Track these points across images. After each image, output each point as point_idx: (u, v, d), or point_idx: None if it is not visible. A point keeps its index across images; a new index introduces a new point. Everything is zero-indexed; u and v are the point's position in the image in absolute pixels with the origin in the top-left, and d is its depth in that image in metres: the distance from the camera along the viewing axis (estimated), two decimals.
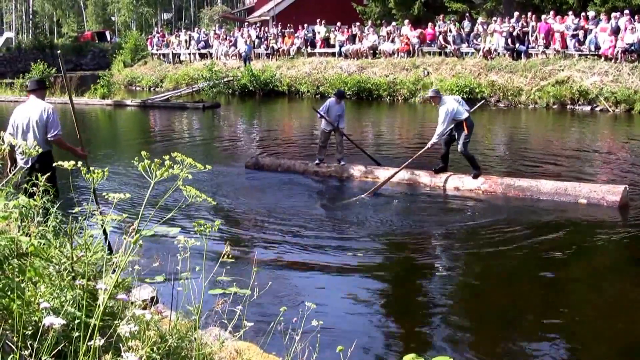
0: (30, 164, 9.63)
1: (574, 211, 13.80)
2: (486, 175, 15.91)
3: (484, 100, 15.84)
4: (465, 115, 15.45)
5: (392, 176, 15.90)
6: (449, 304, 9.21)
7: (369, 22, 43.50)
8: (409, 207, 14.68)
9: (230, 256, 5.00)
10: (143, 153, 3.96)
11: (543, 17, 34.41)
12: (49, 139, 9.86)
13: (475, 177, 15.57)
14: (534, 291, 9.71)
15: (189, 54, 51.72)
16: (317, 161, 17.91)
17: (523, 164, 18.80)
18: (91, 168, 4.09)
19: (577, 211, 13.79)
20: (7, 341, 3.97)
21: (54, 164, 4.80)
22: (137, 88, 50.83)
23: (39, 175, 5.62)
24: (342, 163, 17.64)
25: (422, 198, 15.46)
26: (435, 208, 14.50)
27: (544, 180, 15.35)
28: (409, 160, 15.96)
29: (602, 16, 32.41)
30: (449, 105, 15.34)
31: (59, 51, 8.48)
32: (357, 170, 17.33)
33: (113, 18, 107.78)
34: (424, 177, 16.31)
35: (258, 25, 51.17)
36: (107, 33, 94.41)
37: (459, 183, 15.75)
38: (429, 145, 15.80)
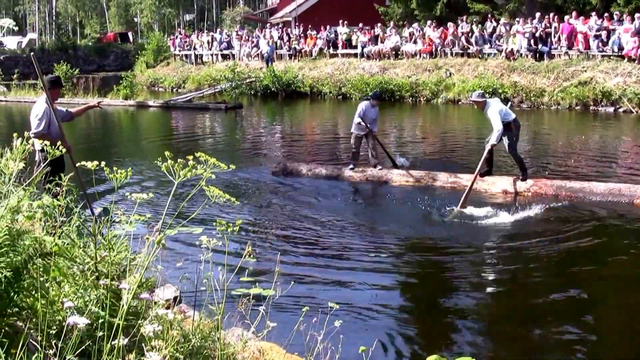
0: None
1: (629, 212, 13.71)
2: (534, 177, 15.66)
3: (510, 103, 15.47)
4: (513, 115, 15.35)
5: (473, 183, 14.79)
6: (474, 306, 9.14)
7: (391, 23, 43.47)
8: (443, 210, 14.20)
9: (252, 256, 5.01)
10: (167, 153, 3.97)
11: (566, 17, 34.22)
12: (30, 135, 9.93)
13: (524, 179, 15.33)
14: (574, 294, 9.61)
15: (212, 55, 51.73)
16: (350, 166, 17.29)
17: (553, 165, 18.64)
18: (114, 168, 4.10)
19: (632, 212, 13.71)
20: (31, 340, 3.99)
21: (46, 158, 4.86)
22: (160, 89, 50.92)
23: (61, 175, 5.64)
24: (379, 168, 17.08)
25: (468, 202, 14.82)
26: (481, 211, 14.00)
27: (594, 181, 15.22)
28: (479, 166, 15.20)
29: (626, 17, 32.17)
30: (497, 106, 15.14)
31: (32, 53, 8.49)
32: (396, 175, 16.82)
33: (135, 19, 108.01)
34: (469, 182, 15.30)
35: (280, 26, 51.15)
36: (130, 34, 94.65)
37: (507, 186, 15.46)
38: (489, 147, 15.17)
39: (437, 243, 12.10)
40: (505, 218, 13.38)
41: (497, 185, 15.55)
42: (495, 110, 15.00)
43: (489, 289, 9.99)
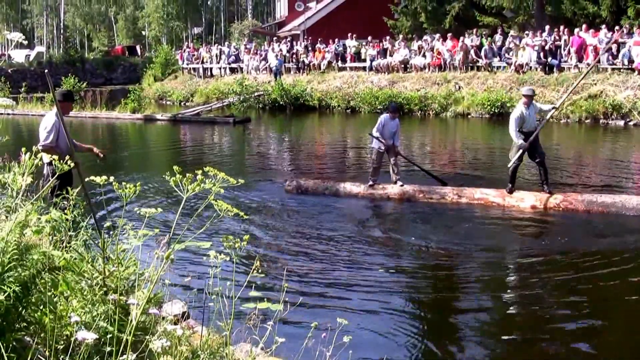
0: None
1: None
2: (564, 192, 15.46)
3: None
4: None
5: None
6: (488, 326, 9.05)
7: (400, 36, 43.48)
8: (477, 227, 14.01)
9: (260, 271, 4.98)
10: (175, 168, 3.95)
11: (575, 30, 34.19)
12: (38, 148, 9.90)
13: (551, 192, 15.09)
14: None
15: (220, 68, 51.79)
16: (370, 182, 16.59)
17: (565, 178, 18.42)
18: (123, 183, 4.09)
19: None
20: (39, 355, 3.97)
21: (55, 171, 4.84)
22: (168, 102, 50.89)
23: (69, 188, 5.63)
24: (400, 184, 16.39)
25: (494, 218, 14.69)
26: (508, 228, 13.91)
27: (625, 195, 15.09)
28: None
29: (636, 30, 32.14)
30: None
31: (46, 70, 8.51)
32: (417, 192, 16.20)
33: (143, 32, 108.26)
34: (497, 198, 15.49)
35: (289, 39, 51.20)
36: (138, 47, 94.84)
37: (536, 202, 15.09)
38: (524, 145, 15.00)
39: (452, 261, 11.91)
40: (535, 235, 13.33)
41: (526, 201, 15.17)
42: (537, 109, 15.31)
43: (507, 312, 9.76)
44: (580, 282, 10.54)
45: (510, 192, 15.32)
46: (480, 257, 11.95)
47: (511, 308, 9.75)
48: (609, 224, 13.74)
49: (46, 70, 9.01)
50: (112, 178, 4.36)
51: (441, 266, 11.65)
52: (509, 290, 10.52)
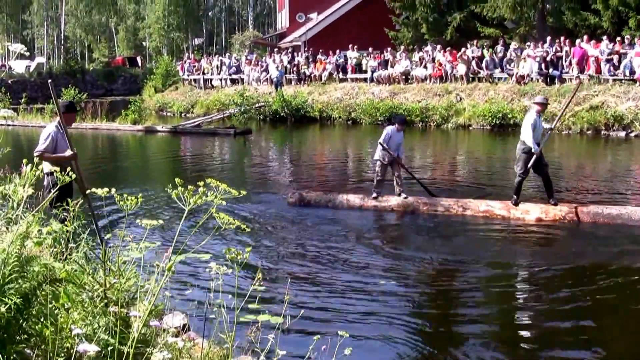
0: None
1: None
2: (568, 203, 15.35)
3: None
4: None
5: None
6: (494, 340, 9.03)
7: (401, 48, 43.48)
8: (482, 239, 13.92)
9: (261, 283, 4.97)
10: (177, 180, 3.94)
11: (577, 41, 34.22)
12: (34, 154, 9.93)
13: (556, 204, 15.02)
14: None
15: (221, 79, 51.86)
16: (374, 195, 16.50)
17: (568, 190, 18.33)
18: (124, 194, 4.08)
19: None
20: None
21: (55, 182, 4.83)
22: (168, 114, 50.91)
23: (68, 199, 5.63)
24: (404, 196, 16.31)
25: (499, 231, 14.56)
26: (513, 241, 13.81)
27: (630, 206, 15.01)
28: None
29: (637, 40, 32.17)
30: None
31: (49, 80, 8.54)
32: (421, 204, 16.09)
33: (144, 43, 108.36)
34: (502, 210, 15.34)
35: (289, 50, 51.26)
36: (138, 58, 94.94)
37: (541, 214, 14.97)
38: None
39: (456, 273, 11.82)
40: (541, 248, 13.28)
41: (532, 213, 15.04)
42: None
43: (510, 324, 9.70)
44: (585, 294, 10.51)
45: (516, 204, 15.22)
46: (484, 270, 11.91)
47: (514, 321, 9.70)
48: (615, 235, 13.69)
49: (50, 81, 9.03)
50: (113, 190, 4.35)
51: (445, 279, 11.59)
52: (512, 303, 10.44)
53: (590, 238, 13.69)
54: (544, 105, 15.28)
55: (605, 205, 15.07)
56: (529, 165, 14.91)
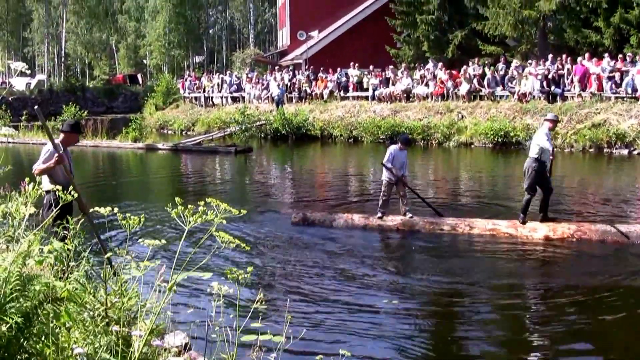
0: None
1: None
2: (577, 222, 15.34)
3: None
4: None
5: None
6: (495, 358, 9.00)
7: (403, 65, 43.51)
8: (488, 258, 13.79)
9: (263, 303, 4.95)
10: (177, 199, 3.92)
11: (578, 59, 34.28)
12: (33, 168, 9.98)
13: (546, 220, 15.12)
14: None
15: (221, 97, 51.95)
16: (379, 214, 16.38)
17: (570, 208, 18.26)
18: (127, 214, 4.06)
19: None
20: None
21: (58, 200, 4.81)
22: (169, 131, 50.94)
23: (69, 217, 5.61)
24: (410, 215, 16.26)
25: (506, 250, 14.48)
26: (520, 260, 13.77)
27: (638, 225, 14.91)
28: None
29: (639, 58, 32.19)
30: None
31: (36, 107, 8.58)
32: (427, 223, 15.99)
33: (145, 61, 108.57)
34: (509, 228, 15.29)
35: (291, 68, 51.33)
36: (139, 76, 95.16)
37: (549, 232, 14.94)
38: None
39: (462, 293, 11.76)
40: (549, 267, 13.27)
41: (539, 231, 14.99)
42: None
43: (519, 346, 9.62)
44: (594, 314, 10.49)
45: (524, 222, 15.19)
46: (490, 290, 11.86)
47: (521, 343, 9.64)
48: (624, 254, 13.70)
49: (36, 107, 9.02)
50: (116, 209, 4.34)
51: (449, 299, 11.55)
52: (519, 324, 10.36)
53: (599, 257, 13.67)
54: (554, 122, 15.41)
55: (612, 224, 14.96)
56: (547, 167, 15.01)
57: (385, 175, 16.52)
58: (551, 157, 15.06)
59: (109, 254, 5.26)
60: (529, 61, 36.81)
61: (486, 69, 37.83)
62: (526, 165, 15.22)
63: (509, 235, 15.15)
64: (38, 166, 9.95)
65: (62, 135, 10.72)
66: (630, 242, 14.14)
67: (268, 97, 46.68)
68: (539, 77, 34.54)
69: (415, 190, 17.69)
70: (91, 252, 5.83)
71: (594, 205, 18.81)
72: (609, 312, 10.49)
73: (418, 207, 17.17)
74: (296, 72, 49.64)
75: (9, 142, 40.56)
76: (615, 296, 11.20)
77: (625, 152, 29.91)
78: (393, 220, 16.32)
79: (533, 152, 15.09)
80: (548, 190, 15.26)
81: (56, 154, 9.80)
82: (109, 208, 4.27)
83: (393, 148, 16.56)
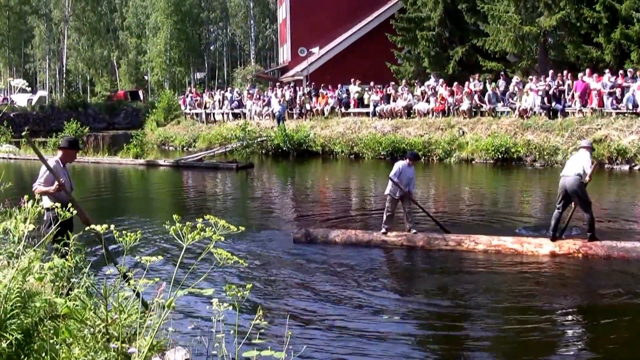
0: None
1: None
2: (582, 237, 15.20)
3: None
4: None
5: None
6: None
7: (403, 82, 43.52)
8: (493, 275, 13.78)
9: (262, 319, 4.94)
10: (175, 216, 3.92)
11: (579, 75, 34.26)
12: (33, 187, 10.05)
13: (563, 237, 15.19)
14: None
15: (223, 113, 51.96)
16: (383, 230, 16.31)
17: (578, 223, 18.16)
18: (124, 231, 4.07)
19: None
20: None
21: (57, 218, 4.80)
22: (170, 148, 50.96)
23: (69, 234, 5.62)
24: (414, 231, 16.18)
25: (511, 265, 14.43)
26: (526, 276, 13.64)
27: None
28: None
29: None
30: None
31: (24, 132, 8.68)
32: (431, 239, 15.89)
33: (146, 77, 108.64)
34: (514, 244, 15.21)
35: (292, 85, 51.37)
36: (140, 92, 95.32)
37: (555, 247, 14.89)
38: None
39: (465, 311, 11.72)
40: (554, 283, 13.21)
41: (545, 247, 14.95)
42: None
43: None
44: (601, 331, 10.51)
45: (554, 239, 15.02)
46: (497, 307, 11.79)
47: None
48: (631, 270, 13.64)
49: (24, 132, 9.10)
50: (112, 227, 4.34)
51: (454, 317, 11.50)
52: (527, 342, 10.21)
53: (605, 273, 13.65)
54: (591, 148, 15.50)
55: (618, 240, 14.96)
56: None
57: (389, 190, 16.46)
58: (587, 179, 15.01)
59: (109, 271, 5.26)
60: (530, 77, 36.79)
61: (487, 85, 37.85)
62: (571, 183, 15.02)
63: (514, 251, 15.09)
64: (39, 186, 9.96)
65: (60, 152, 10.73)
66: (636, 258, 14.08)
67: (269, 113, 46.69)
68: (540, 93, 34.56)
69: (421, 205, 17.61)
70: (91, 268, 5.82)
71: (598, 221, 18.74)
72: (615, 332, 10.43)
73: (423, 225, 17.19)
74: (297, 88, 49.67)
75: (10, 159, 40.63)
76: (623, 312, 11.19)
77: (626, 167, 29.87)
78: (397, 236, 16.24)
79: (577, 171, 14.96)
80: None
81: (56, 184, 9.82)
82: (105, 225, 4.27)
83: (401, 163, 16.53)
